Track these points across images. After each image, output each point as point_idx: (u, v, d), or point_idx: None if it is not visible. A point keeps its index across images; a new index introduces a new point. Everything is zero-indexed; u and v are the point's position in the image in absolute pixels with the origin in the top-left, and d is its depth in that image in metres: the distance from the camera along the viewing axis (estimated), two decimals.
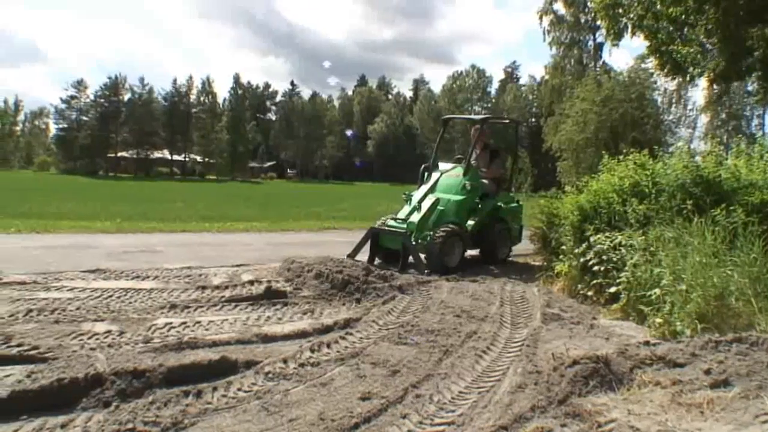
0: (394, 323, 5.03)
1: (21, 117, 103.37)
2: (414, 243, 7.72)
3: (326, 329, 4.69)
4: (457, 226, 8.02)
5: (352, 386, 3.53)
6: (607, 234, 6.32)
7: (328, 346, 4.29)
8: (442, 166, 9.17)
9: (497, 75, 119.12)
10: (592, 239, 6.42)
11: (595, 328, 5.10)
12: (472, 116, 12.33)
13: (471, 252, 8.82)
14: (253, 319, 4.97)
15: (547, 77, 42.31)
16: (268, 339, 4.35)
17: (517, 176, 43.49)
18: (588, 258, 6.36)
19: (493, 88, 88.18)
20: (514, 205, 9.57)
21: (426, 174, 9.09)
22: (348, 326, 4.82)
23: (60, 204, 21.38)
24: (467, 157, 8.84)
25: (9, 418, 2.97)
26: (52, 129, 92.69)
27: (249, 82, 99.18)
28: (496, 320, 5.32)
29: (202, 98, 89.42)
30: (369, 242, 8.14)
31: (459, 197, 8.41)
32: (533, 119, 72.10)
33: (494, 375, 3.88)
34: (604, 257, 6.11)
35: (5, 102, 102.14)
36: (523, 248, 9.51)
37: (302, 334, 4.53)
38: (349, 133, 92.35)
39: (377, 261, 8.12)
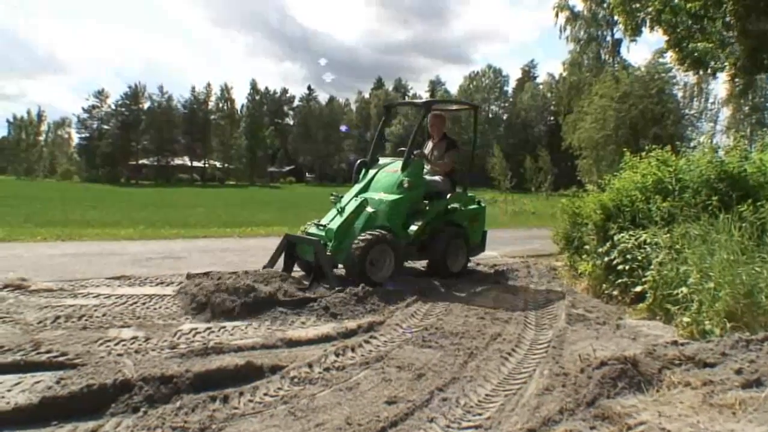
0: (418, 326, 5.02)
1: (44, 127, 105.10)
2: (329, 253, 6.49)
3: (350, 333, 4.69)
4: (388, 232, 6.66)
5: (377, 390, 3.52)
6: (631, 232, 6.26)
7: (353, 350, 4.28)
8: (383, 160, 7.84)
9: (514, 74, 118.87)
10: (615, 238, 6.36)
11: (621, 328, 5.05)
12: (415, 101, 10.86)
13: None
14: (278, 323, 4.98)
15: (564, 74, 42.03)
16: (292, 343, 4.36)
17: (537, 175, 43.34)
18: (612, 257, 6.30)
19: (510, 87, 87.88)
20: (475, 206, 8.08)
21: (363, 171, 7.70)
22: (372, 330, 4.81)
23: (84, 212, 21.70)
24: (408, 149, 7.26)
25: (40, 424, 2.99)
26: (75, 138, 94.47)
27: (266, 88, 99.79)
28: (521, 322, 5.29)
29: (220, 105, 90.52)
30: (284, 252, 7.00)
31: (393, 197, 6.95)
32: (551, 117, 71.70)
33: (521, 377, 3.85)
34: (629, 256, 6.04)
35: (28, 113, 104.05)
36: (546, 249, 9.41)
37: (326, 338, 4.53)
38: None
39: (305, 274, 6.96)
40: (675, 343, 4.32)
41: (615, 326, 5.10)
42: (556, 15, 39.01)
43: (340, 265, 6.74)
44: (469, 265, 7.98)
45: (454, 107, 10.24)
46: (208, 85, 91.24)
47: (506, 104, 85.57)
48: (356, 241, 6.37)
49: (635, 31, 13.40)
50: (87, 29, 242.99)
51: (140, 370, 3.48)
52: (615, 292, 6.31)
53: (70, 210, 22.62)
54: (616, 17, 23.42)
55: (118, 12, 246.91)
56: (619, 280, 6.17)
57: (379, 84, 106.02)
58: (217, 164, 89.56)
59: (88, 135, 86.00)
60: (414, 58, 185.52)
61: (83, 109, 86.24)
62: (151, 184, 72.60)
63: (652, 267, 5.56)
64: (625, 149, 8.21)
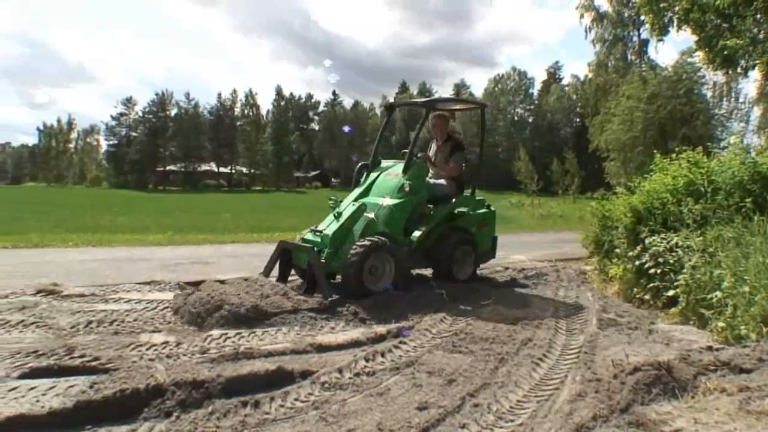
0: (447, 331, 5.00)
1: (74, 135, 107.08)
2: (324, 261, 6.17)
3: (379, 338, 4.69)
4: (388, 239, 6.27)
5: (408, 396, 3.51)
6: (662, 235, 6.16)
7: (383, 355, 4.28)
8: (385, 163, 7.45)
9: (539, 76, 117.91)
10: (647, 241, 6.28)
11: (653, 333, 4.96)
12: (417, 101, 9.55)
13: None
14: (307, 328, 4.99)
15: (590, 76, 41.47)
16: (322, 349, 4.37)
17: (563, 178, 42.91)
18: (643, 261, 6.22)
19: (536, 89, 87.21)
20: (484, 210, 7.66)
21: (365, 174, 7.37)
22: (401, 335, 4.80)
23: (113, 218, 22.02)
24: (409, 151, 6.93)
25: (75, 428, 3.03)
26: (103, 145, 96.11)
27: (291, 94, 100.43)
28: (551, 327, 5.24)
29: (246, 111, 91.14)
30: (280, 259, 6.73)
31: (393, 201, 6.60)
32: (578, 119, 70.96)
33: (552, 383, 3.82)
34: (660, 259, 5.96)
35: (58, 121, 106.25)
36: (575, 252, 9.30)
37: (356, 344, 4.54)
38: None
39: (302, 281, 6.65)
40: (710, 348, 4.25)
41: (647, 331, 5.02)
42: (581, 16, 38.57)
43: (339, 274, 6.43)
44: (492, 270, 7.92)
45: (459, 106, 9.40)
46: (234, 91, 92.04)
47: (531, 107, 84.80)
48: (353, 248, 6.02)
49: (662, 31, 13.21)
50: (115, 40, 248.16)
51: (172, 375, 3.51)
52: (647, 297, 6.23)
53: (100, 216, 22.99)
54: (642, 17, 23.09)
55: (146, 22, 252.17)
56: (651, 284, 6.09)
57: (404, 88, 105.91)
58: (244, 170, 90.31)
59: (116, 142, 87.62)
60: (438, 61, 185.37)
61: (111, 116, 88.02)
62: (179, 190, 73.54)
63: (684, 270, 5.47)
64: (654, 151, 8.09)
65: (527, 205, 33.29)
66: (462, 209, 7.38)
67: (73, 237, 12.43)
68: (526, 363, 4.17)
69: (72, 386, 3.46)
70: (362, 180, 7.26)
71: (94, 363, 3.88)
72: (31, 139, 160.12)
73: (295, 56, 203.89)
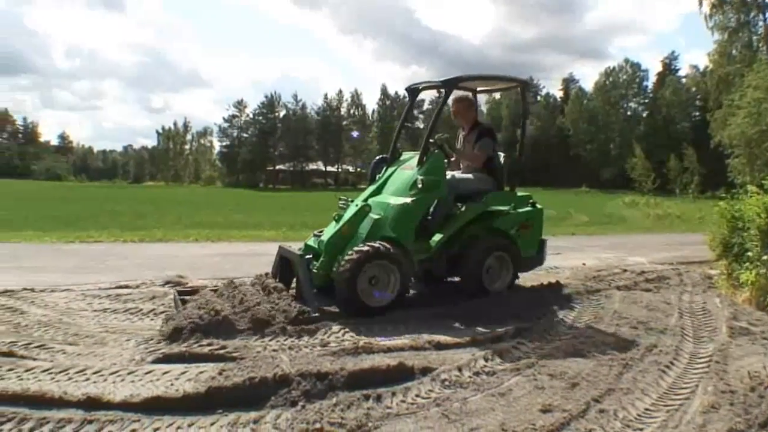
0: (567, 333, 4.89)
1: (189, 137, 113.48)
2: (316, 270, 5.50)
3: (497, 338, 4.66)
4: (393, 245, 5.35)
5: (530, 397, 3.47)
6: None
7: (501, 355, 4.24)
8: (406, 155, 6.39)
9: (653, 68, 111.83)
10: None
11: None
12: (438, 80, 6.16)
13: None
14: (424, 326, 4.98)
15: (711, 66, 38.84)
16: (440, 346, 4.39)
17: (682, 176, 40.64)
18: None
19: (650, 81, 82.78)
20: (528, 209, 6.46)
21: (384, 168, 6.40)
22: (519, 335, 4.74)
23: (227, 215, 23.21)
24: (425, 140, 5.92)
25: (206, 411, 3.20)
26: (216, 146, 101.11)
27: (396, 93, 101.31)
28: (677, 333, 4.98)
29: (351, 111, 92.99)
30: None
31: (401, 201, 5.62)
32: (697, 113, 66.80)
33: (682, 392, 3.64)
34: None
35: (174, 124, 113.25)
36: (697, 255, 8.76)
37: (474, 343, 4.52)
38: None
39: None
40: None
41: None
42: (700, 2, 36.14)
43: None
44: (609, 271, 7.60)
45: (490, 86, 7.27)
46: (340, 91, 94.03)
47: (646, 100, 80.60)
48: (348, 255, 5.21)
49: None
50: (225, 46, 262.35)
51: (296, 366, 3.64)
52: None
53: (215, 213, 24.32)
54: None
55: (254, 29, 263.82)
56: None
57: None
58: (350, 168, 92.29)
59: (228, 143, 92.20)
60: (545, 55, 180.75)
61: (224, 119, 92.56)
62: (288, 189, 76.18)
63: None
64: None
65: (642, 204, 31.85)
66: (499, 208, 6.20)
67: (193, 233, 13.22)
68: (653, 370, 4.01)
69: (202, 372, 3.67)
70: (379, 175, 6.35)
71: (221, 351, 4.09)
72: (150, 142, 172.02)
73: (397, 55, 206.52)
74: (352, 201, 6.07)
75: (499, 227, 6.16)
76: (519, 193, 6.46)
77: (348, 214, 5.72)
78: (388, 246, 5.27)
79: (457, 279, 6.12)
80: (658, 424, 3.15)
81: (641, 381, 3.78)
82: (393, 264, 5.30)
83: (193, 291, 5.69)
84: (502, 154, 6.47)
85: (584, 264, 8.71)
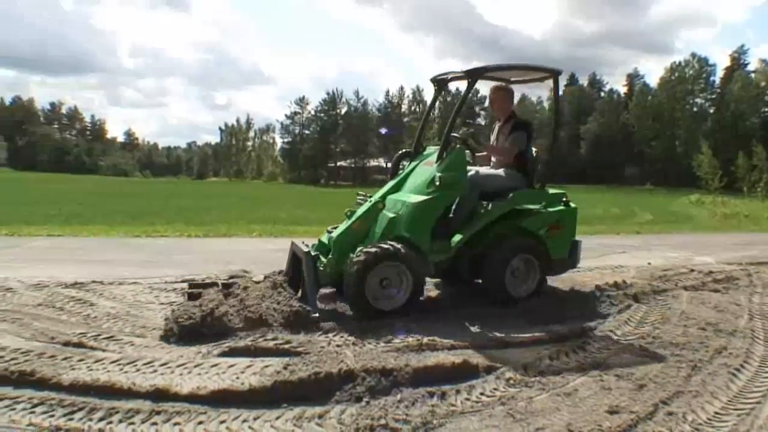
0: (633, 334, 4.76)
1: (251, 133, 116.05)
2: (323, 268, 5.28)
3: (562, 338, 4.56)
4: (405, 245, 5.05)
5: (597, 398, 3.39)
6: None
7: (566, 354, 4.18)
8: (429, 149, 6.03)
9: (721, 62, 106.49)
10: None
11: None
12: (462, 71, 5.80)
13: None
14: (489, 324, 4.93)
15: None
16: (504, 345, 4.36)
17: (750, 174, 38.67)
18: None
19: (717, 77, 79.18)
20: (560, 208, 5.95)
21: (408, 164, 6.10)
22: (584, 335, 4.64)
23: (290, 211, 23.55)
24: (446, 133, 5.55)
25: (271, 405, 3.25)
26: (278, 143, 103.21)
27: (457, 89, 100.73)
28: (747, 335, 4.78)
29: (413, 107, 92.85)
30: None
31: (417, 198, 5.27)
32: (766, 109, 63.56)
33: (753, 397, 3.50)
34: None
35: (237, 121, 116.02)
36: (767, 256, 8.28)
37: (538, 342, 4.46)
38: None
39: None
40: None
41: None
42: None
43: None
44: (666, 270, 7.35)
45: (520, 76, 6.48)
46: (401, 88, 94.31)
47: (713, 96, 77.18)
48: (356, 255, 4.99)
49: None
50: (287, 44, 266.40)
51: (360, 362, 3.66)
52: None
53: (278, 208, 24.70)
54: None
55: (316, 26, 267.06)
56: None
57: (573, 80, 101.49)
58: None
59: (290, 140, 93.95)
60: (608, 50, 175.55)
61: (286, 115, 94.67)
62: (349, 185, 76.71)
63: None
64: None
65: (708, 203, 30.60)
66: (528, 206, 5.78)
67: (257, 228, 13.46)
68: (722, 373, 3.87)
69: (267, 366, 3.72)
70: (400, 170, 6.07)
71: (286, 346, 4.13)
72: (213, 138, 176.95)
73: (458, 51, 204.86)
74: (371, 197, 5.75)
75: (527, 227, 5.74)
76: (552, 191, 6.03)
77: (360, 211, 5.52)
78: (398, 246, 4.99)
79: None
80: (729, 429, 3.05)
81: (710, 384, 3.66)
82: (404, 266, 5.02)
83: (205, 286, 5.55)
84: (534, 149, 6.12)
85: (650, 263, 8.41)
